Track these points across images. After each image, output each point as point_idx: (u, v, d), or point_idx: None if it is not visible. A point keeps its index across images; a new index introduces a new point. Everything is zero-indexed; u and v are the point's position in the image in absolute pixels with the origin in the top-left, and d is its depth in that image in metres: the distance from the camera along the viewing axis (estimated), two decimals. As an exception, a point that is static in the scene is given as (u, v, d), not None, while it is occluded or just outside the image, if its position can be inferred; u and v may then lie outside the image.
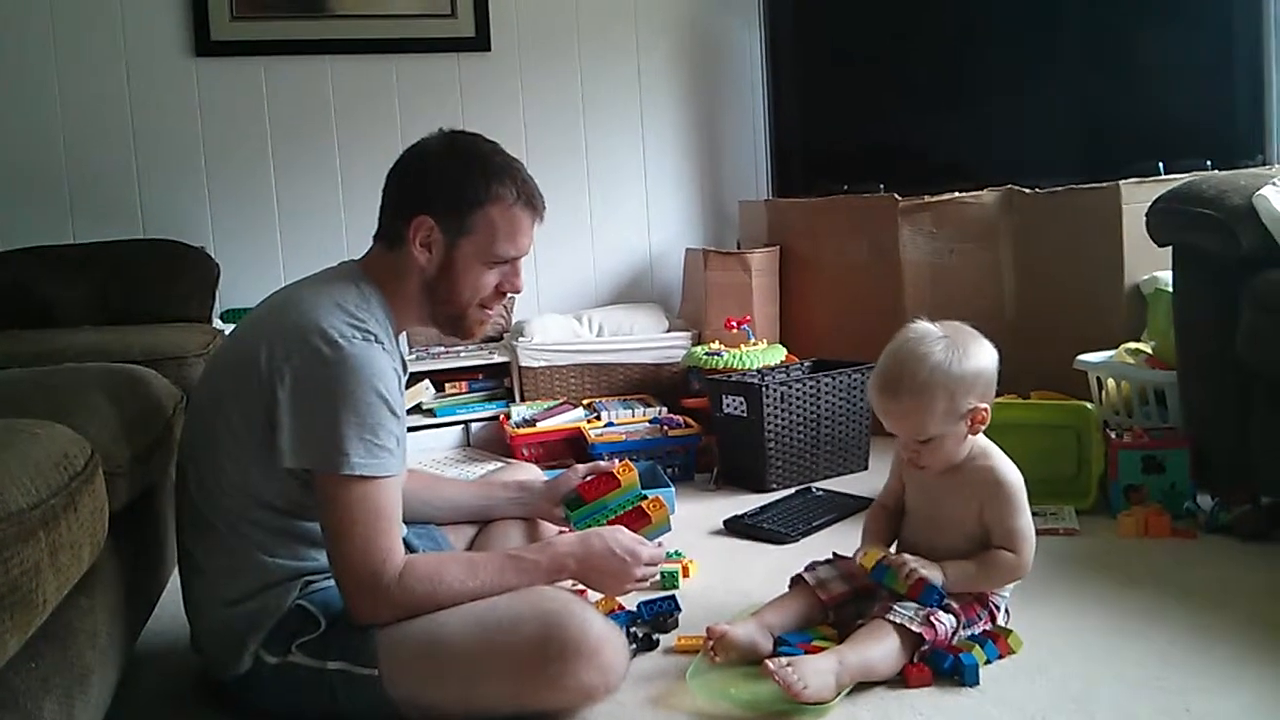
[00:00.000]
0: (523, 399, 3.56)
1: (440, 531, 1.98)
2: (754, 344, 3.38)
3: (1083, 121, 3.58)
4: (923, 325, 1.78)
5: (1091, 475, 2.50)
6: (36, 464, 1.17)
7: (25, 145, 3.50)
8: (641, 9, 4.07)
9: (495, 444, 3.46)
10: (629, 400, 3.49)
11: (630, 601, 1.99)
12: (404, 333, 1.81)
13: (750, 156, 4.20)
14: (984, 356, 1.76)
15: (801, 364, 3.21)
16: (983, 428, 1.78)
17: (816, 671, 1.58)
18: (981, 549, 1.78)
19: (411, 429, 3.11)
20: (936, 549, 1.80)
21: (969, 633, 1.74)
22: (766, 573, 2.16)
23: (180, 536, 1.71)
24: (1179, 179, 2.65)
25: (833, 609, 1.83)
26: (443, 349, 3.74)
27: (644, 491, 2.02)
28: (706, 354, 3.33)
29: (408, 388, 2.61)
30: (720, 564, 2.31)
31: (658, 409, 3.33)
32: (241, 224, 3.69)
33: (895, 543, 1.91)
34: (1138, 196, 2.91)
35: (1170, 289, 2.60)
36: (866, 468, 3.00)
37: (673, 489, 2.67)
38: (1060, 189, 3.21)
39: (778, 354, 3.35)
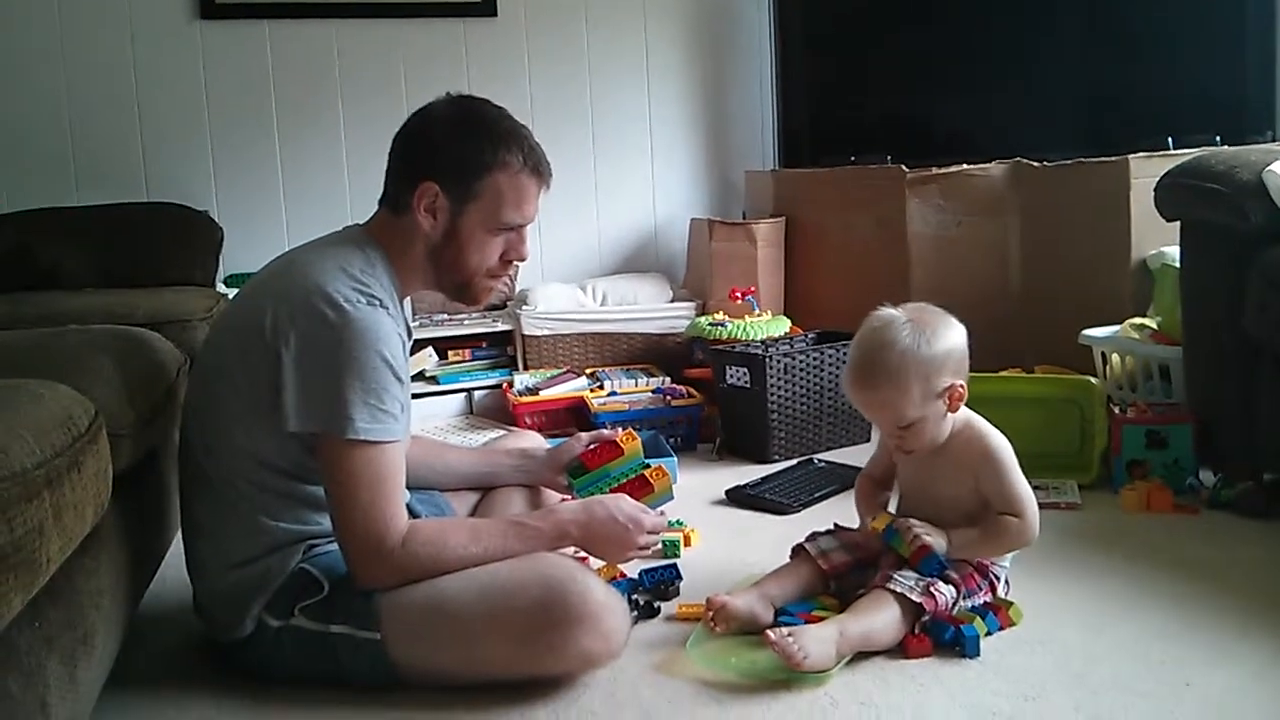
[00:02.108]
0: (526, 367, 3.56)
1: (443, 497, 1.99)
2: (758, 315, 3.37)
3: (1092, 95, 3.56)
4: (886, 312, 1.77)
5: (1094, 450, 2.49)
6: (40, 424, 1.17)
7: (30, 109, 3.49)
8: (649, -25, 4.05)
9: (498, 412, 3.46)
10: (632, 370, 3.49)
11: (632, 569, 2.00)
12: (408, 298, 1.81)
13: (757, 126, 4.18)
14: (952, 335, 1.75)
15: (806, 335, 3.20)
16: (961, 404, 1.78)
17: (817, 640, 1.59)
18: (982, 522, 1.79)
19: (414, 396, 3.11)
20: (936, 525, 1.80)
21: (969, 604, 1.75)
22: (768, 543, 2.17)
23: (184, 499, 1.72)
24: (1188, 154, 2.64)
25: (834, 579, 1.84)
26: (446, 316, 3.73)
27: (647, 460, 2.02)
28: (710, 324, 3.33)
29: (411, 354, 2.61)
30: (722, 534, 2.31)
31: (661, 379, 3.33)
32: (245, 188, 3.68)
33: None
34: (1146, 171, 2.89)
35: (1177, 264, 2.59)
36: (868, 439, 3.00)
37: (675, 458, 2.68)
38: (1068, 162, 3.19)
39: (782, 325, 3.34)
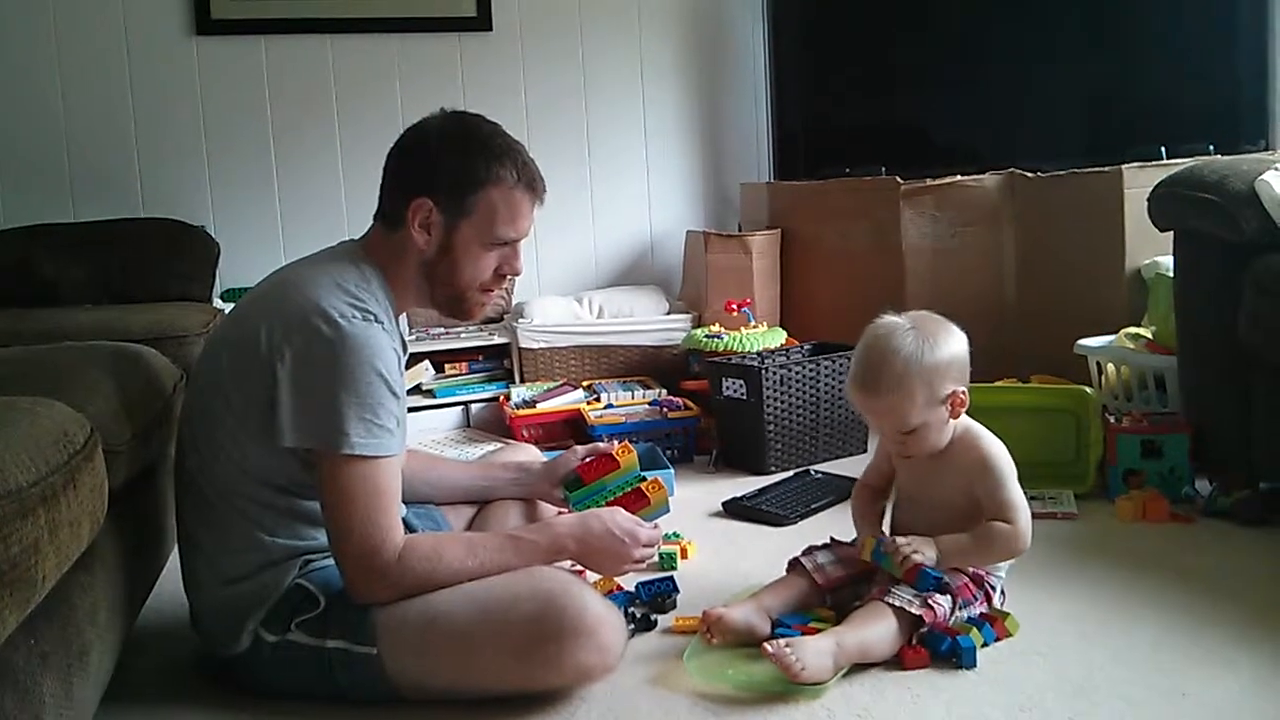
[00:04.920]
0: (523, 380, 3.56)
1: (439, 512, 1.99)
2: (754, 326, 3.38)
3: (1085, 105, 3.57)
4: (889, 319, 1.79)
5: (1090, 460, 2.50)
6: (36, 441, 1.17)
7: (26, 125, 3.50)
8: (644, -11, 4.06)
9: (495, 425, 3.46)
10: (629, 382, 3.49)
11: (629, 582, 2.00)
12: (404, 313, 1.81)
13: (752, 138, 4.19)
14: (954, 342, 1.77)
15: (802, 347, 3.21)
16: (963, 410, 1.79)
17: (815, 652, 1.59)
18: (975, 526, 1.79)
19: (411, 410, 3.11)
20: (930, 530, 1.80)
21: (966, 615, 1.75)
22: (765, 554, 2.17)
23: (180, 515, 1.72)
24: (1181, 163, 2.65)
25: (830, 593, 1.84)
26: (442, 330, 3.74)
27: (643, 473, 2.02)
28: (707, 336, 3.33)
29: (407, 368, 2.61)
30: (719, 546, 2.31)
31: (657, 391, 3.33)
32: (242, 203, 3.69)
33: (889, 521, 1.93)
34: (1140, 181, 2.90)
35: (1171, 274, 2.60)
36: (865, 450, 3.00)
37: (672, 471, 2.67)
38: (1062, 173, 3.20)
39: (778, 337, 3.35)
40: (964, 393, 1.78)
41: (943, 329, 1.78)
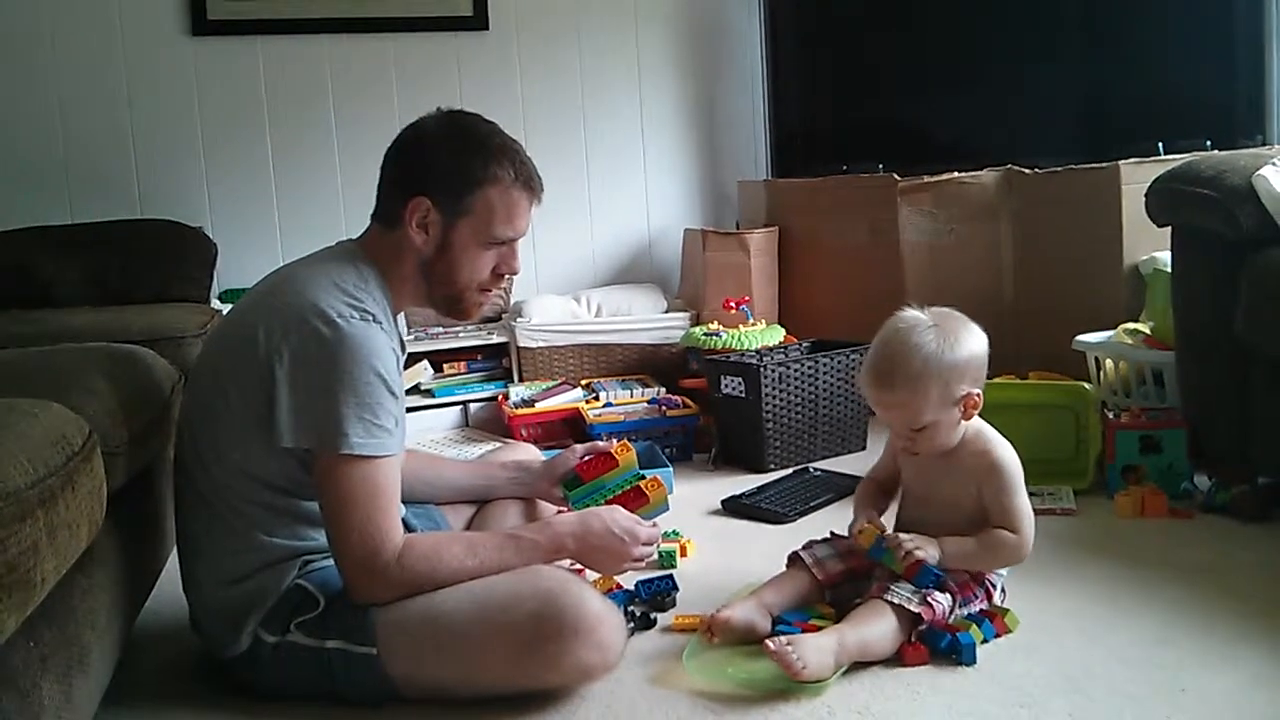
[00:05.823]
0: (521, 379, 3.56)
1: (439, 511, 1.99)
2: (752, 324, 3.38)
3: (1083, 101, 3.57)
4: (911, 314, 1.77)
5: (1089, 456, 2.50)
6: (34, 443, 1.17)
7: (22, 126, 3.49)
8: (641, -13, 4.06)
9: (494, 424, 3.46)
10: (627, 380, 3.49)
11: (628, 580, 2.00)
12: (402, 313, 1.81)
13: (749, 136, 4.19)
14: (974, 343, 1.76)
15: (800, 344, 3.21)
16: (975, 412, 1.78)
17: (816, 650, 1.59)
18: (980, 529, 1.79)
19: (410, 409, 3.11)
20: (935, 529, 1.80)
21: (966, 612, 1.75)
22: (764, 552, 2.17)
23: (179, 516, 1.72)
24: (1178, 159, 2.65)
25: (830, 588, 1.84)
26: (441, 329, 3.73)
27: (642, 471, 2.03)
28: (705, 334, 3.33)
29: (406, 368, 2.62)
30: (718, 544, 2.31)
31: (656, 389, 3.33)
32: (239, 204, 3.68)
33: (892, 516, 1.92)
34: (1137, 177, 2.90)
35: (1169, 269, 2.60)
36: (864, 448, 3.00)
37: (671, 469, 2.67)
38: (1060, 169, 3.20)
39: (776, 334, 3.34)
40: (979, 395, 1.76)
41: (964, 329, 1.76)
